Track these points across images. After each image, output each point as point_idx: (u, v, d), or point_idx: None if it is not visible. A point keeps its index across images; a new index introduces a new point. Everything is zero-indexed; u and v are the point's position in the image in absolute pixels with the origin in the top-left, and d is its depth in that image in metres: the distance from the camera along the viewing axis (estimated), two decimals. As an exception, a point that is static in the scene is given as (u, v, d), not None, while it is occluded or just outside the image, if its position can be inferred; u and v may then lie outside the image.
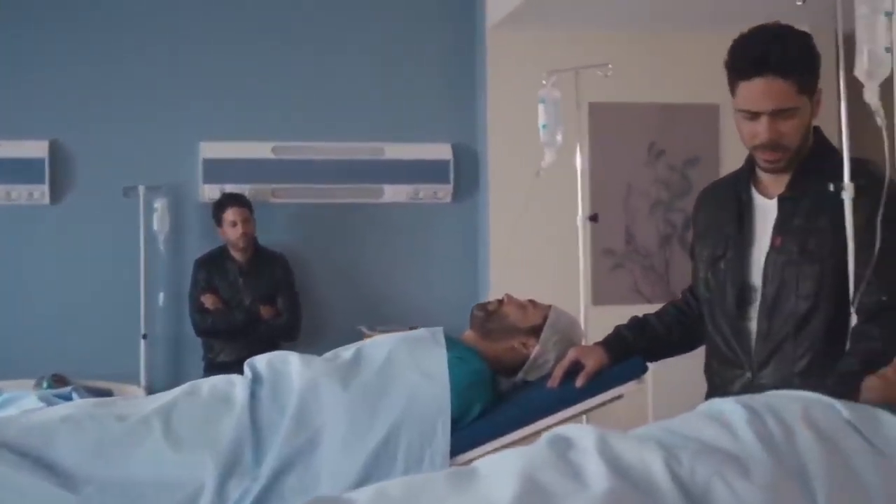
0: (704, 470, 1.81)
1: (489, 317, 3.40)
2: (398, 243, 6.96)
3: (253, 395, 3.00)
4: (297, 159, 6.78)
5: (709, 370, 3.05)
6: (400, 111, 6.95)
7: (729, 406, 2.06)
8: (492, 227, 6.80)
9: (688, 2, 6.26)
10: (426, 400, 2.99)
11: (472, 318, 3.43)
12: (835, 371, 2.61)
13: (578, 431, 1.94)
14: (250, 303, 6.23)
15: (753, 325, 2.88)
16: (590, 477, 1.79)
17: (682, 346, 3.24)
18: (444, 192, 6.94)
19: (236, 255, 6.31)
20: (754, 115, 2.73)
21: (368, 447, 2.89)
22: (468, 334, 3.41)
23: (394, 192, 6.90)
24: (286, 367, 3.11)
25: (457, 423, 3.00)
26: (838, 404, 2.08)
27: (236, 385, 3.05)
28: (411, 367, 3.07)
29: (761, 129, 2.74)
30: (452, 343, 3.21)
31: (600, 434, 1.89)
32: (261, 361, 3.14)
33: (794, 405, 2.06)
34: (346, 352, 3.21)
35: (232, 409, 2.96)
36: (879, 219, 2.64)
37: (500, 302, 3.44)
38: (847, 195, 2.73)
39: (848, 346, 2.68)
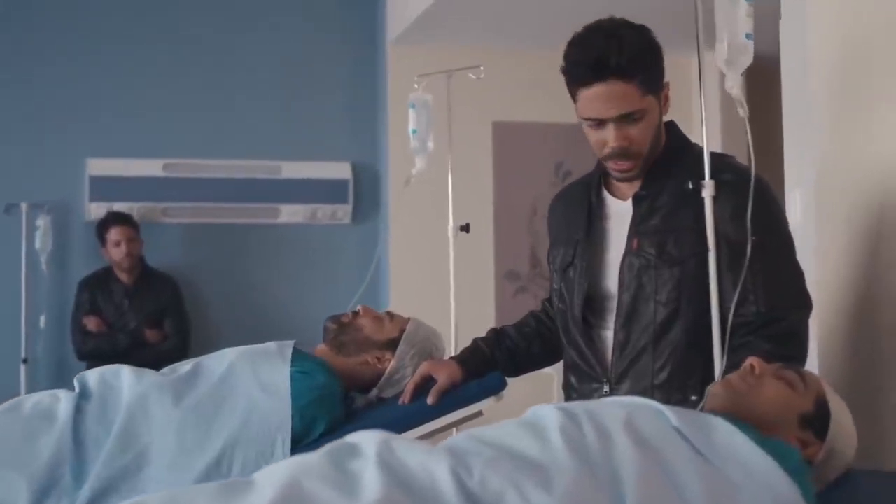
0: (497, 480, 1.62)
1: (342, 329, 3.20)
2: (295, 265, 6.75)
3: (78, 411, 2.81)
4: (190, 177, 6.55)
5: (567, 386, 2.84)
6: (298, 128, 6.75)
7: (546, 411, 1.87)
8: (392, 250, 6.59)
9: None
10: (265, 416, 2.82)
11: (324, 330, 3.23)
12: None
13: (365, 437, 1.74)
14: (136, 326, 6.03)
15: (611, 336, 2.68)
16: (363, 486, 1.59)
17: (543, 358, 3.05)
18: (343, 212, 6.76)
19: (122, 276, 6.11)
20: (600, 123, 2.56)
21: (199, 466, 2.72)
22: (320, 348, 3.21)
23: (291, 213, 6.71)
24: (118, 381, 2.92)
25: (299, 441, 2.82)
26: (667, 411, 1.90)
27: (61, 400, 2.84)
28: (251, 382, 2.88)
29: (609, 136, 2.55)
30: (301, 357, 3.02)
31: (385, 440, 1.70)
32: (92, 375, 2.95)
33: (618, 411, 1.87)
34: (186, 365, 3.00)
35: (53, 426, 2.78)
36: (749, 218, 2.46)
37: (355, 314, 3.24)
38: (707, 192, 2.55)
39: (726, 360, 2.48)
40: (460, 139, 6.44)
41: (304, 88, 6.79)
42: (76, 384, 2.90)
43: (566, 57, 2.57)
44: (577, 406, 1.89)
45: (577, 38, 2.57)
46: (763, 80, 5.57)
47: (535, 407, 1.97)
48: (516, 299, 6.72)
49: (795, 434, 2.08)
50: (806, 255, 3.07)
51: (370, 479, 1.58)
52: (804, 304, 2.57)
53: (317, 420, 2.86)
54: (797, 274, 2.59)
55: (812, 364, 2.91)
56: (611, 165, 2.63)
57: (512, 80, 6.44)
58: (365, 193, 6.80)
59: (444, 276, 6.03)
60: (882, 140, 2.75)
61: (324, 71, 6.85)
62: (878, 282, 2.75)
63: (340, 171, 6.74)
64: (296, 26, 6.81)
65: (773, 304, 2.51)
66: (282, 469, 1.66)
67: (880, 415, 2.69)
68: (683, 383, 2.56)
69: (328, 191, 6.71)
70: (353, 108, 6.84)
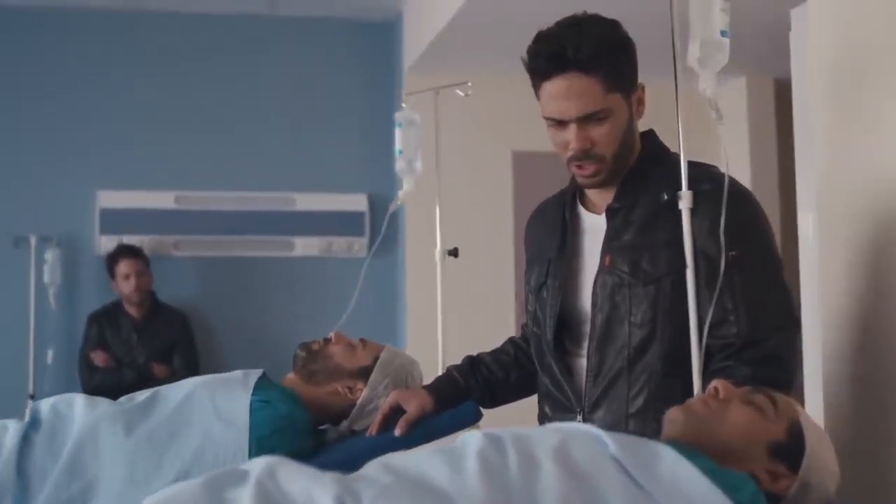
0: (389, 511, 1.43)
1: (312, 357, 3.02)
2: (309, 299, 6.57)
3: (26, 441, 2.66)
4: (202, 209, 6.45)
5: (541, 417, 2.64)
6: (312, 159, 6.62)
7: (471, 437, 1.69)
8: (409, 284, 6.41)
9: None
10: (220, 446, 2.65)
11: (294, 358, 3.06)
12: None
13: (255, 463, 1.56)
14: (144, 361, 5.89)
15: (585, 363, 2.48)
16: (237, 517, 1.41)
17: (522, 388, 2.83)
18: (359, 245, 6.61)
19: (131, 309, 5.99)
20: (561, 124, 2.39)
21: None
22: (289, 377, 3.03)
23: (305, 245, 6.57)
24: (70, 410, 2.77)
25: (257, 475, 2.62)
26: (607, 437, 1.71)
27: (9, 430, 2.70)
28: (208, 411, 2.72)
29: (570, 137, 2.38)
30: (266, 386, 2.85)
31: (271, 467, 1.52)
32: (45, 404, 2.81)
33: (551, 437, 1.68)
34: (145, 393, 2.85)
35: (-4, 457, 2.61)
36: (722, 230, 2.27)
37: (327, 341, 3.06)
38: (684, 204, 2.35)
39: (700, 385, 2.28)
40: (479, 168, 6.33)
41: (319, 118, 6.67)
42: (27, 413, 2.75)
43: (528, 51, 2.41)
44: (507, 431, 1.71)
45: (540, 32, 2.40)
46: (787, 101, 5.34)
47: (465, 433, 1.78)
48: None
49: (764, 465, 1.88)
50: (815, 276, 2.87)
51: (243, 508, 1.41)
52: (789, 323, 2.36)
53: (276, 452, 2.67)
54: (782, 291, 2.38)
55: (818, 384, 2.72)
56: (574, 170, 2.45)
57: (531, 109, 6.26)
58: (381, 226, 6.63)
59: (461, 308, 5.89)
60: (882, 152, 2.55)
61: (339, 100, 6.72)
62: (883, 296, 2.54)
63: (356, 202, 6.61)
64: (310, 55, 6.70)
65: (755, 325, 2.30)
66: (157, 498, 1.50)
67: (889, 437, 2.46)
68: (660, 411, 2.34)
69: (344, 223, 6.58)
70: (369, 138, 6.69)
